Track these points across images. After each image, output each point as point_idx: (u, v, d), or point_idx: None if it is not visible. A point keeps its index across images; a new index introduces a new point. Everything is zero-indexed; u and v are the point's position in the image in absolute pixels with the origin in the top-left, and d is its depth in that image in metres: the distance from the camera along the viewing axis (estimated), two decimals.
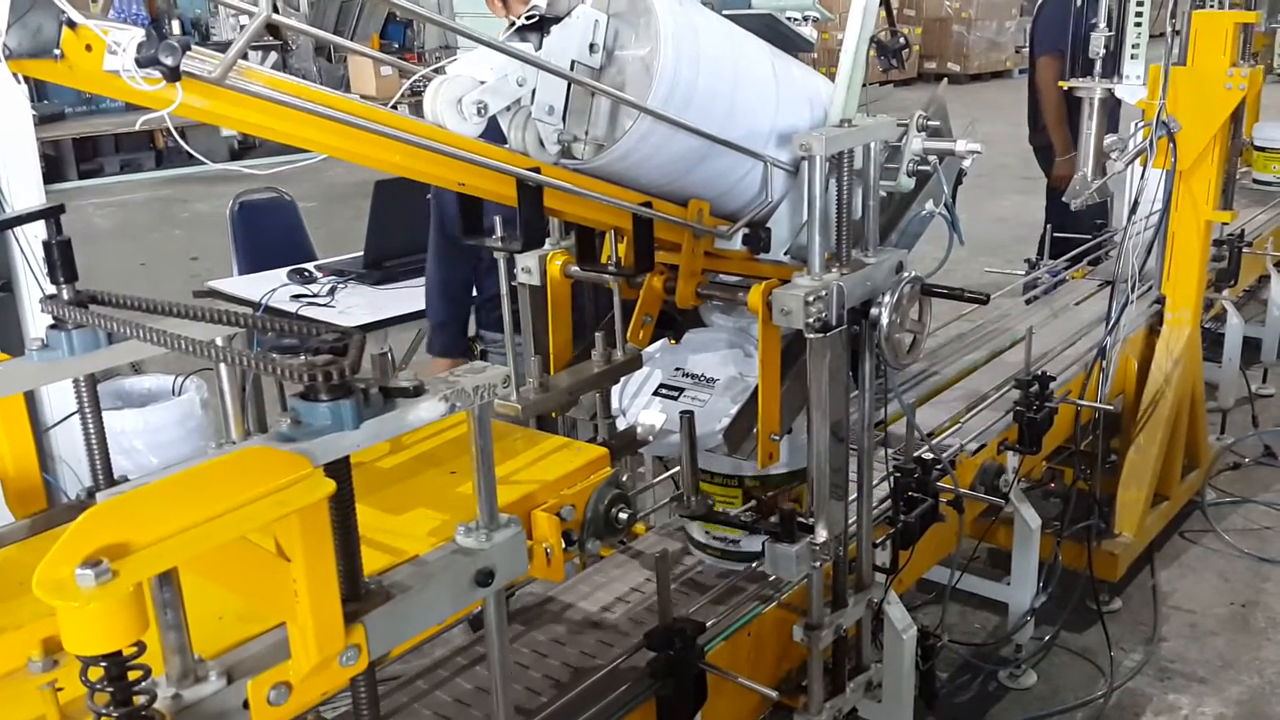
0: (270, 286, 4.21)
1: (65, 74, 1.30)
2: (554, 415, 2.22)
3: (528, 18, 1.82)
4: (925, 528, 2.36)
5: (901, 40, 4.81)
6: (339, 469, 1.21)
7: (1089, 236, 4.50)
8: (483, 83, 1.71)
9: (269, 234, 5.13)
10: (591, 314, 2.27)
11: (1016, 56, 17.29)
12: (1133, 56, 3.49)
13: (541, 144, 1.81)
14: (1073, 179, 3.68)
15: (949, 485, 2.52)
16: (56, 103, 12.36)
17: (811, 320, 1.87)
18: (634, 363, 2.17)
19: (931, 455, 2.51)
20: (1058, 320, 3.96)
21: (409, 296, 4.03)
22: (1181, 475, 4.12)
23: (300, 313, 3.97)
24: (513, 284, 2.11)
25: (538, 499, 1.57)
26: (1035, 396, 3.06)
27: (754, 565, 2.23)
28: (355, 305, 4.10)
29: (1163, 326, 3.98)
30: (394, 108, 1.66)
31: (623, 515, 1.64)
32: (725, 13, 2.06)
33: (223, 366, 1.55)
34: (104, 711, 1.04)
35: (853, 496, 2.13)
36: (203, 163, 1.71)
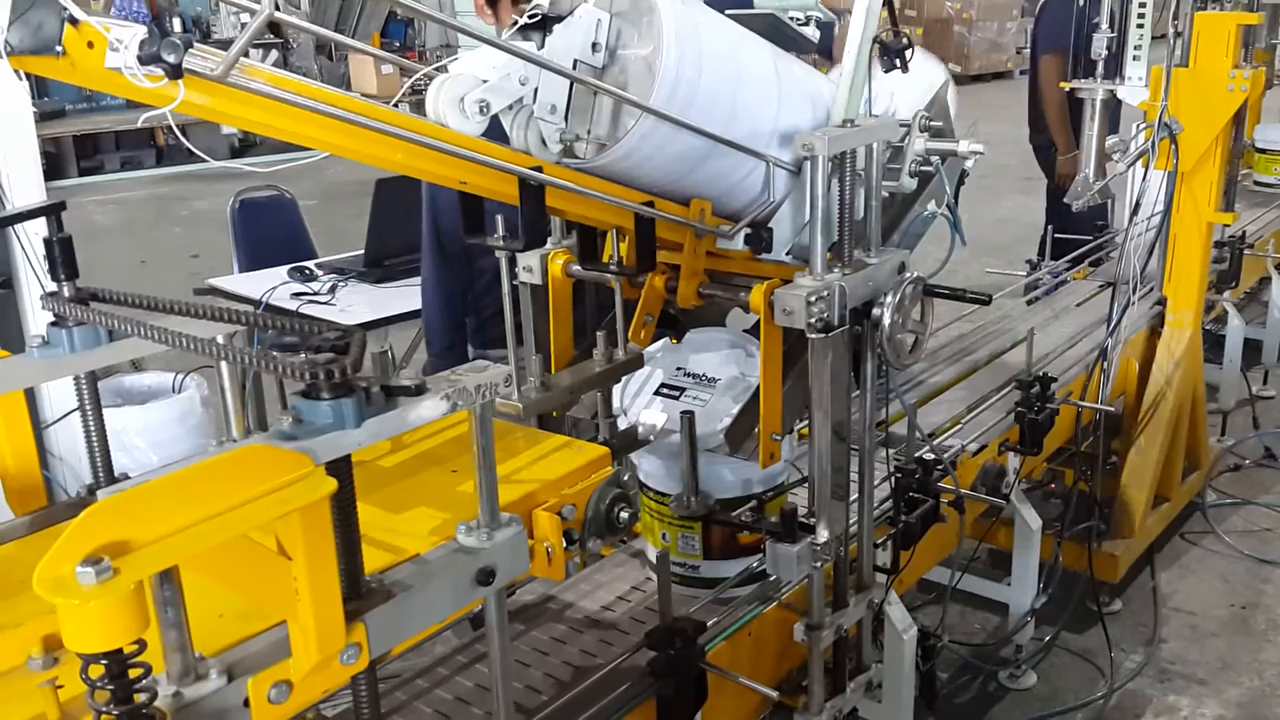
0: (271, 284, 4.21)
1: (67, 71, 1.30)
2: (555, 414, 2.22)
3: (530, 16, 1.82)
4: (926, 528, 2.35)
5: (904, 40, 4.82)
6: (340, 467, 1.20)
7: (1089, 238, 4.51)
8: (485, 81, 1.70)
9: (269, 232, 5.13)
10: (594, 313, 2.27)
11: (1017, 57, 17.29)
12: (1135, 58, 3.49)
13: (544, 143, 1.81)
14: (1075, 179, 3.68)
15: (950, 486, 2.52)
16: (57, 100, 12.37)
17: (813, 320, 1.86)
18: (635, 362, 2.17)
19: (932, 456, 2.51)
20: (1059, 321, 3.96)
21: (409, 295, 4.03)
22: (1182, 477, 4.12)
23: (301, 311, 3.96)
24: (514, 283, 2.11)
25: (539, 498, 1.57)
26: (1036, 397, 3.06)
27: (716, 591, 2.17)
28: (356, 303, 4.10)
29: (1164, 328, 3.98)
30: (395, 106, 1.65)
31: (624, 514, 1.64)
32: (728, 12, 2.05)
33: (224, 364, 1.55)
34: (104, 709, 1.04)
35: (854, 497, 2.13)
36: (204, 160, 1.70)
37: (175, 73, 1.26)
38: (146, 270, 8.46)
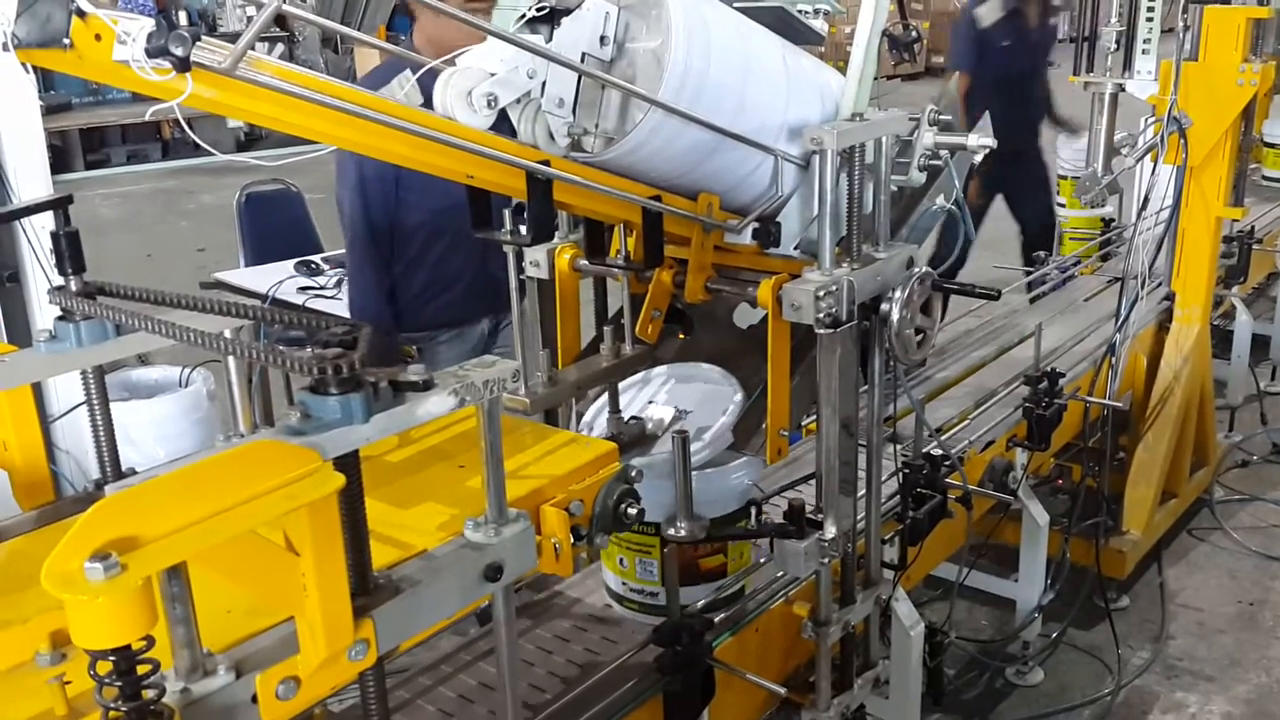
0: (277, 278, 4.20)
1: (74, 64, 1.30)
2: (561, 409, 2.21)
3: (538, 9, 1.81)
4: (933, 524, 2.35)
5: (913, 33, 4.82)
6: (348, 463, 1.20)
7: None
8: (493, 75, 1.70)
9: (276, 226, 5.12)
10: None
11: None
12: (1144, 51, 3.48)
13: (551, 137, 1.80)
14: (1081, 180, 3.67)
15: (957, 481, 2.52)
16: (63, 93, 12.38)
17: (822, 315, 1.86)
18: (642, 357, 2.16)
19: (940, 451, 2.50)
20: (1067, 317, 3.95)
21: None
22: (1190, 473, 4.11)
23: (307, 305, 3.96)
24: (520, 277, 2.10)
25: (546, 494, 1.56)
26: (1044, 393, 3.05)
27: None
28: None
29: (1172, 323, 3.97)
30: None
31: (631, 510, 1.63)
32: (736, 5, 2.04)
33: (231, 359, 1.55)
34: (112, 705, 1.03)
35: (861, 492, 2.12)
36: (210, 153, 1.70)
37: (183, 66, 1.26)
38: (153, 264, 8.47)
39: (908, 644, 2.37)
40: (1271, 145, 5.72)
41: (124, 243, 8.98)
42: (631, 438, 2.10)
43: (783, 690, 2.12)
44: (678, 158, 1.89)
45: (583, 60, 1.81)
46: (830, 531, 1.99)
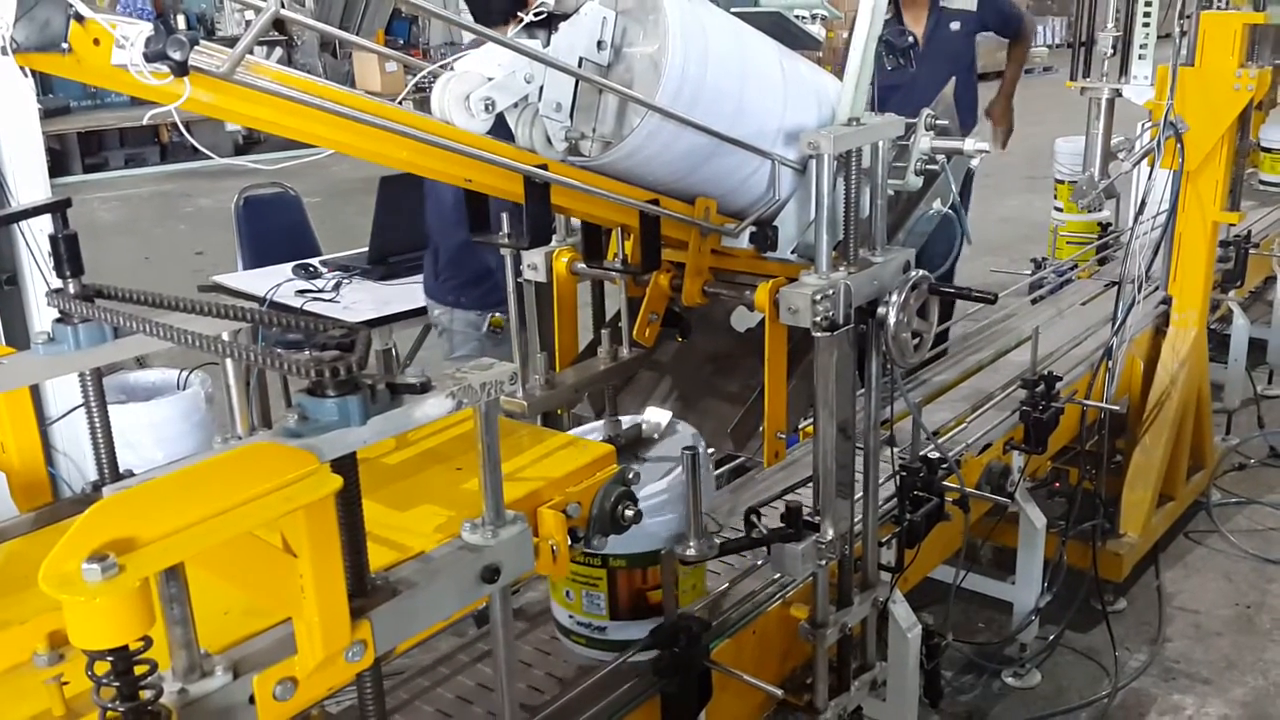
0: (275, 282, 4.21)
1: (73, 68, 1.30)
2: (559, 412, 2.22)
3: (536, 14, 1.81)
4: (930, 527, 2.35)
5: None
6: (346, 465, 1.20)
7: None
8: (491, 79, 1.70)
9: (274, 229, 5.12)
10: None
11: None
12: (1140, 57, 3.48)
13: (549, 141, 1.81)
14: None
15: (954, 484, 2.52)
16: (61, 96, 12.40)
17: (819, 319, 1.86)
18: (639, 360, 2.17)
19: (937, 454, 2.51)
20: (1064, 320, 3.96)
21: (413, 292, 4.03)
22: (1187, 476, 4.11)
23: (305, 308, 3.97)
24: (519, 280, 2.10)
25: (544, 496, 1.57)
26: (1041, 396, 3.05)
27: (625, 656, 1.94)
28: (359, 301, 4.10)
29: (1169, 327, 3.97)
30: (400, 104, 1.65)
31: (629, 513, 1.63)
32: (733, 10, 2.05)
33: (229, 361, 1.56)
34: (110, 706, 1.04)
35: (858, 495, 2.12)
36: (209, 157, 1.70)
37: (181, 70, 1.27)
38: (151, 267, 8.46)
39: (905, 646, 2.37)
40: (1268, 150, 5.74)
41: (121, 246, 8.98)
42: (629, 440, 2.10)
43: (780, 692, 2.12)
44: (675, 162, 1.90)
45: (580, 65, 1.82)
46: (828, 534, 1.99)
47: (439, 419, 1.28)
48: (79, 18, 1.26)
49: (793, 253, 2.13)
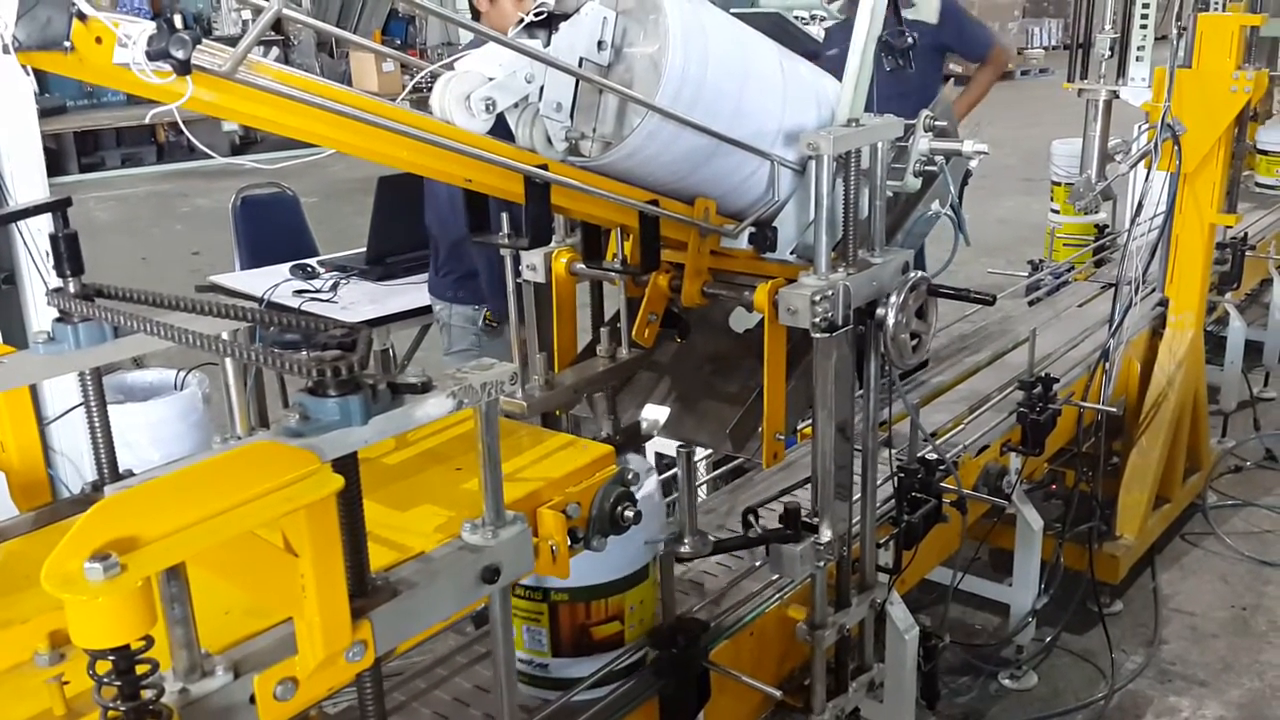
0: (273, 282, 4.20)
1: (75, 66, 1.30)
2: (557, 413, 2.21)
3: (536, 14, 1.81)
4: (928, 528, 2.35)
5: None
6: (347, 465, 1.20)
7: None
8: (491, 79, 1.70)
9: (271, 229, 5.12)
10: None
11: (1019, 57, 17.37)
12: (1138, 58, 3.49)
13: (549, 141, 1.81)
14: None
15: (952, 486, 2.52)
16: (58, 96, 12.37)
17: (818, 320, 1.86)
18: (638, 361, 2.17)
19: (935, 456, 2.51)
20: (1061, 322, 3.96)
21: (411, 293, 4.03)
22: (1183, 478, 4.12)
23: (303, 308, 3.96)
24: (518, 281, 2.10)
25: (543, 496, 1.57)
26: (1038, 398, 3.06)
27: (569, 695, 1.88)
28: (357, 301, 4.10)
29: (1165, 329, 3.98)
30: (398, 105, 1.65)
31: (628, 513, 1.64)
32: (733, 11, 2.05)
33: (228, 361, 1.56)
34: (111, 705, 1.04)
35: (856, 496, 2.13)
36: (209, 156, 1.70)
37: (183, 68, 1.26)
38: (148, 267, 8.45)
39: (902, 647, 2.37)
40: (1264, 152, 5.75)
41: (118, 246, 8.97)
42: (627, 438, 2.10)
43: (778, 693, 2.12)
44: (674, 162, 1.90)
45: (580, 65, 1.82)
46: (825, 535, 1.99)
47: (439, 419, 1.29)
48: (81, 16, 1.26)
49: (792, 253, 2.13)
